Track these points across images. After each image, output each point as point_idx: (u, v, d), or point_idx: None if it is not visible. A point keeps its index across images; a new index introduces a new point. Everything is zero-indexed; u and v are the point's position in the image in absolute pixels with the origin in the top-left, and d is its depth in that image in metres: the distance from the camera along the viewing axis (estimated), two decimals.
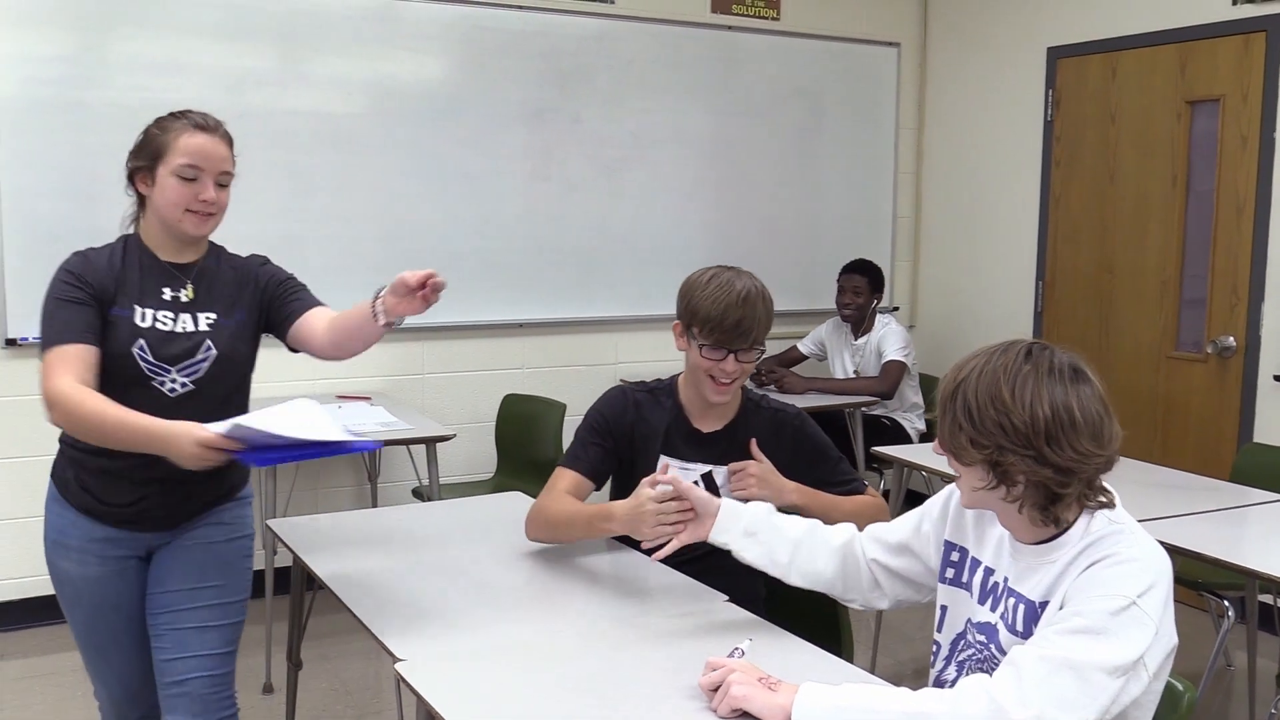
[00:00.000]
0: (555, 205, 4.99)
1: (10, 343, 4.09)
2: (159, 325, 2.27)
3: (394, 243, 4.64)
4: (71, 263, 2.28)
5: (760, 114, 5.44)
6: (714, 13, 5.29)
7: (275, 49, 4.40)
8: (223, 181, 2.32)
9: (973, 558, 1.85)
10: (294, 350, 2.48)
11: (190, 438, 2.00)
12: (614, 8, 5.04)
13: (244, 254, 2.50)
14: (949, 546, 1.91)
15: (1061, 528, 1.70)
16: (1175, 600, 1.66)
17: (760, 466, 2.42)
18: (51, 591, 2.43)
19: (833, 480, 2.52)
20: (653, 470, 2.37)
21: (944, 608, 1.89)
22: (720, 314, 2.38)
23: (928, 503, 1.99)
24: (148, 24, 4.19)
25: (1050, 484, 1.63)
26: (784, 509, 2.33)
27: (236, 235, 4.66)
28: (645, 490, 2.19)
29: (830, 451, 2.56)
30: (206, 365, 2.29)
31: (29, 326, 4.10)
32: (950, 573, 1.89)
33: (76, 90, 4.11)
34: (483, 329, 4.87)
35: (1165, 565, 1.65)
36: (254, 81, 4.37)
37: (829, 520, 2.17)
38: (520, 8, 4.84)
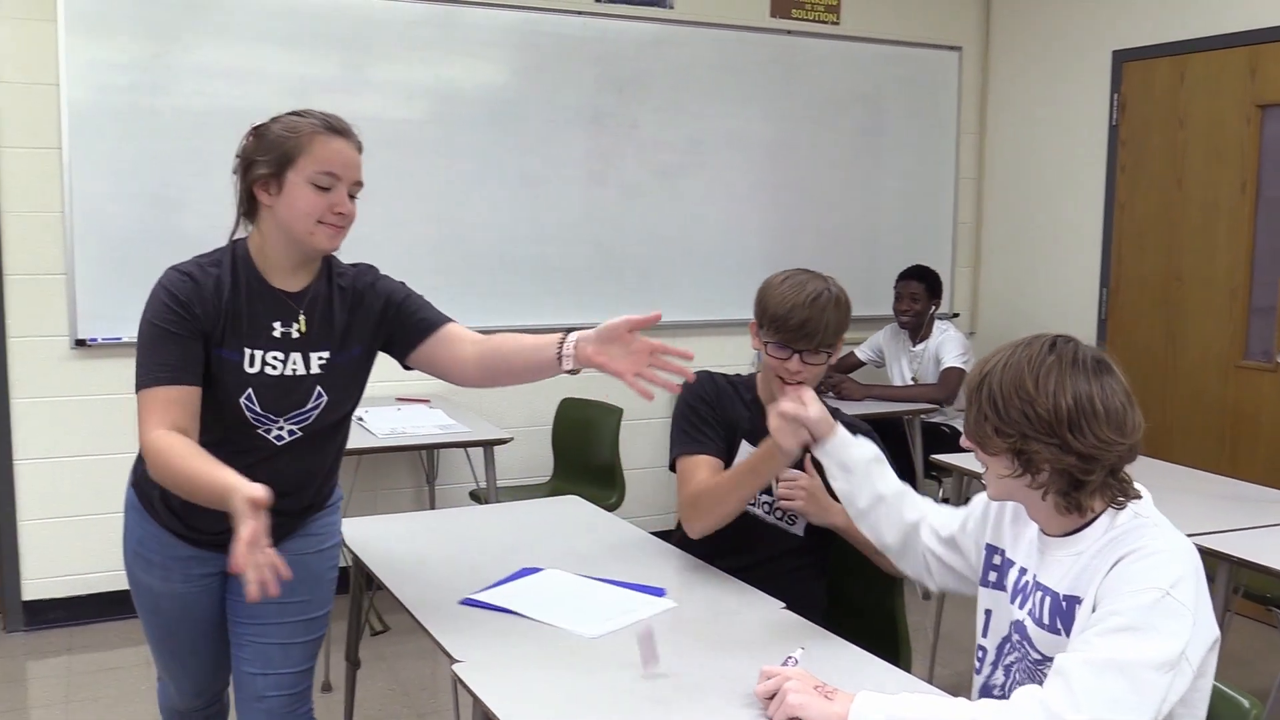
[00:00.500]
0: (613, 210, 5.01)
1: (80, 343, 4.18)
2: (268, 370, 2.09)
3: (453, 246, 4.68)
4: (177, 285, 2.07)
5: (819, 119, 5.41)
6: (773, 17, 5.27)
7: (338, 55, 4.47)
8: (354, 192, 2.14)
9: (1008, 559, 1.86)
10: (409, 369, 2.32)
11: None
12: (672, 12, 5.04)
13: (349, 263, 2.30)
14: (990, 550, 1.91)
15: (1087, 518, 1.71)
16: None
17: (811, 481, 2.39)
18: (121, 588, 2.45)
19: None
20: (734, 457, 2.49)
21: (988, 612, 1.89)
22: (786, 313, 2.38)
23: (972, 501, 2.00)
24: (216, 32, 4.27)
25: (1074, 471, 1.66)
26: (825, 527, 2.40)
27: None
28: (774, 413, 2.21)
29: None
30: (316, 413, 2.15)
31: (98, 327, 4.19)
32: (992, 576, 1.89)
33: (146, 96, 4.20)
34: (539, 332, 4.87)
35: (1193, 556, 1.65)
36: (318, 87, 4.44)
37: (870, 547, 2.19)
38: (579, 13, 4.86)
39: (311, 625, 2.28)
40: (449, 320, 2.29)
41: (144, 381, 2.03)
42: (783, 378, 2.43)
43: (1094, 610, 1.63)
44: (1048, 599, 1.72)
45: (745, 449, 2.53)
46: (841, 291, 2.45)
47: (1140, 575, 1.60)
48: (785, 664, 1.82)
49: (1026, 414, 1.65)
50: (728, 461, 2.53)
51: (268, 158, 2.08)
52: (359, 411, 4.15)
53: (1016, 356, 1.69)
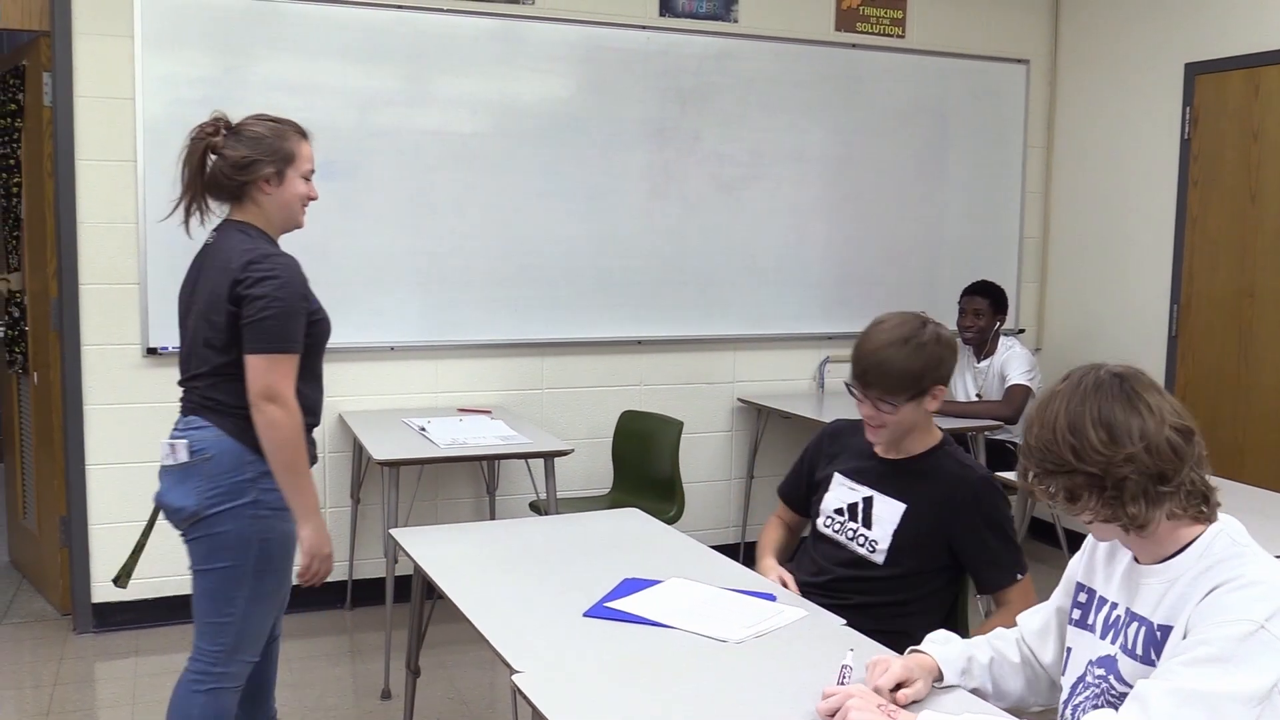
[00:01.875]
0: (675, 223, 5.01)
1: (151, 351, 4.27)
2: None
3: (515, 259, 4.71)
4: (302, 279, 2.57)
5: (883, 132, 5.38)
6: (838, 30, 5.25)
7: (403, 70, 4.52)
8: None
9: (1099, 596, 1.80)
10: None
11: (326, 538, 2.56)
12: (736, 26, 5.04)
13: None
14: (1079, 588, 1.86)
15: (1180, 544, 1.65)
16: None
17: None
18: (187, 591, 2.53)
19: (992, 566, 2.41)
20: (826, 490, 2.57)
21: (1069, 650, 1.84)
22: (853, 357, 2.43)
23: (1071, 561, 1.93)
24: (285, 47, 4.35)
25: (1098, 490, 1.61)
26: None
27: (363, 249, 4.81)
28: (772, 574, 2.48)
29: (1008, 537, 2.41)
30: None
31: (169, 336, 4.28)
32: (1077, 614, 1.84)
33: (217, 109, 4.27)
34: (602, 345, 4.91)
35: None
36: (383, 101, 4.50)
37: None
38: (642, 27, 4.88)
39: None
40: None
41: (287, 346, 2.48)
42: (863, 417, 2.45)
43: (1184, 638, 1.58)
44: (1141, 629, 1.67)
45: (839, 481, 2.57)
46: (928, 338, 2.39)
47: (1235, 606, 1.54)
48: (841, 676, 1.80)
49: (1047, 453, 1.64)
50: (804, 499, 2.69)
51: (273, 159, 2.60)
52: (421, 421, 4.20)
53: (1041, 400, 1.71)
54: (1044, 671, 1.92)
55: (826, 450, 2.67)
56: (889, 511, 2.47)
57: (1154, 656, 1.63)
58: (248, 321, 2.46)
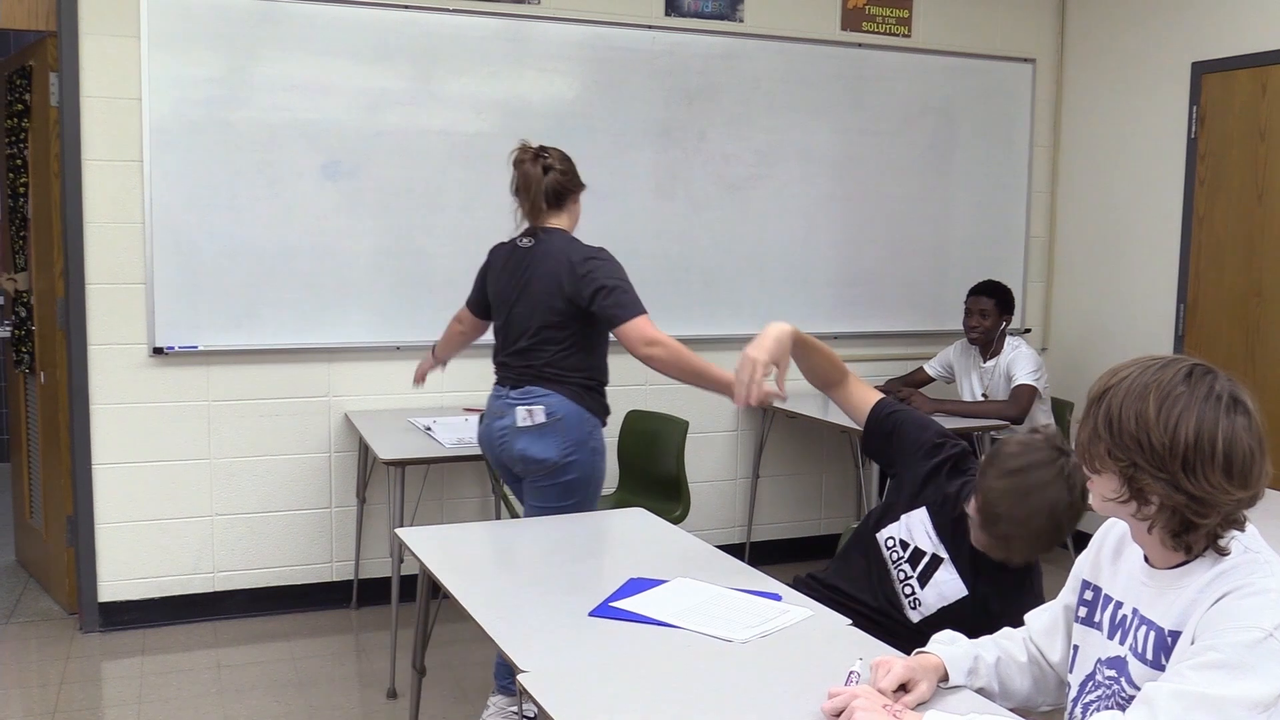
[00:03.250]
0: (680, 223, 5.01)
1: (158, 351, 4.27)
2: None
3: None
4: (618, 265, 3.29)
5: (890, 132, 5.37)
6: (844, 30, 5.25)
7: (410, 70, 4.52)
8: None
9: (1105, 594, 1.79)
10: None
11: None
12: (743, 26, 5.04)
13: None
14: (1084, 585, 1.85)
15: (1193, 555, 1.63)
16: None
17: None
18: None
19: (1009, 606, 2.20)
20: (901, 506, 2.46)
21: (1076, 648, 1.83)
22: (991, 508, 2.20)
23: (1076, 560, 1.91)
24: (291, 46, 4.35)
25: (1185, 512, 1.56)
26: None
27: (370, 248, 4.81)
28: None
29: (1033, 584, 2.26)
30: None
31: (174, 336, 4.29)
32: (1083, 611, 1.83)
33: (223, 110, 4.29)
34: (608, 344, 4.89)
35: None
36: (390, 101, 4.50)
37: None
38: (648, 27, 4.87)
39: None
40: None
41: (640, 308, 3.19)
42: None
43: (1192, 643, 1.57)
44: (1152, 634, 1.65)
45: (921, 516, 2.42)
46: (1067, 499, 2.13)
47: (1246, 613, 1.53)
48: (848, 680, 1.80)
49: (1140, 442, 1.55)
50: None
51: (578, 181, 3.41)
52: (426, 421, 4.21)
53: (1145, 378, 1.58)
54: (1052, 670, 1.91)
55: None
56: (952, 588, 2.33)
57: (1163, 661, 1.62)
58: (608, 301, 3.17)
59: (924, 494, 2.42)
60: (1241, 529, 1.63)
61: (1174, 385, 1.56)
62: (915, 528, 2.41)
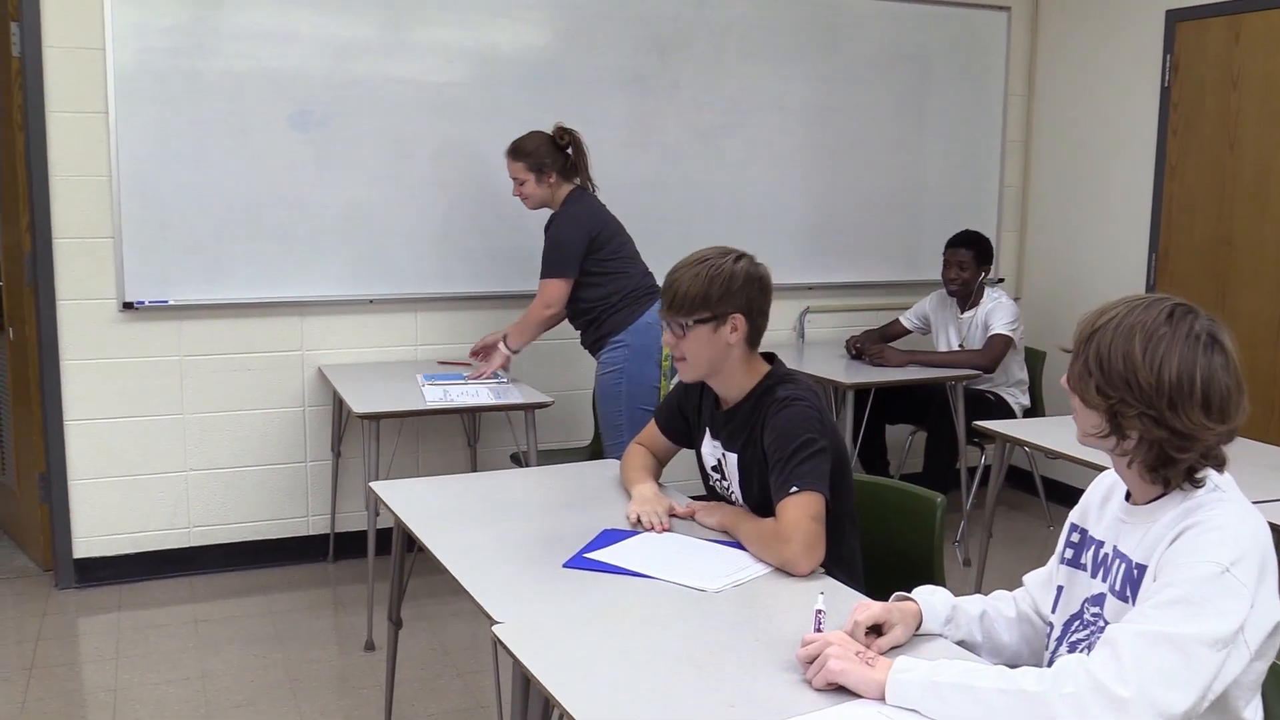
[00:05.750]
0: (654, 173, 4.98)
1: (127, 306, 4.23)
2: None
3: (493, 208, 4.67)
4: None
5: (864, 80, 5.34)
6: None
7: (379, 18, 4.46)
8: (514, 186, 4.19)
9: (1090, 536, 1.83)
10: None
11: None
12: None
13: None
14: (1072, 528, 1.88)
15: (1170, 488, 1.68)
16: None
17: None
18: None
19: (774, 473, 2.31)
20: (701, 441, 2.60)
21: (1060, 588, 1.86)
22: (666, 280, 2.46)
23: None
24: None
25: (1166, 446, 1.63)
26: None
27: (340, 200, 4.75)
28: (658, 503, 2.51)
29: (786, 443, 2.29)
30: None
31: (145, 290, 4.24)
32: (1069, 553, 1.86)
33: (189, 60, 4.22)
34: None
35: (1260, 534, 1.61)
36: (358, 50, 4.43)
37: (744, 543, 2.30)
38: None
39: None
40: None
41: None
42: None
43: (1154, 580, 1.60)
44: (1123, 566, 1.70)
45: (708, 437, 2.59)
46: (733, 266, 2.40)
47: (1202, 549, 1.56)
48: (816, 621, 1.82)
49: (1129, 380, 1.62)
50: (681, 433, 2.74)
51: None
52: (441, 382, 4.25)
53: (1131, 319, 1.65)
54: (1045, 624, 1.93)
55: (695, 398, 2.65)
56: (730, 464, 2.49)
57: (1129, 594, 1.66)
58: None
59: (698, 424, 2.63)
60: (1220, 469, 1.68)
61: (1157, 326, 1.63)
62: (708, 446, 2.59)
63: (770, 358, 2.52)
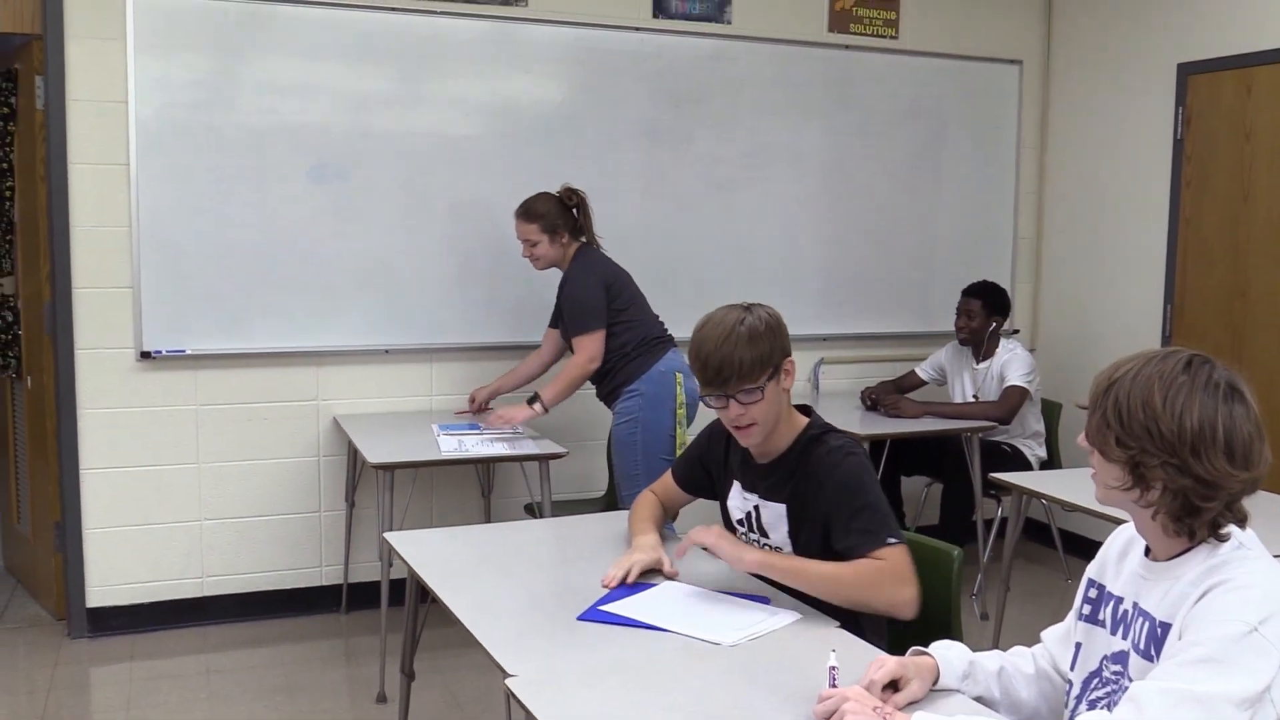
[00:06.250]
0: (669, 224, 5.01)
1: (145, 355, 4.26)
2: None
3: (510, 259, 4.68)
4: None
5: (877, 133, 5.38)
6: (831, 32, 5.25)
7: (398, 72, 4.52)
8: (524, 248, 4.26)
9: (1108, 592, 1.81)
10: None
11: None
12: (730, 28, 5.04)
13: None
14: (1090, 584, 1.86)
15: (1195, 541, 1.65)
16: None
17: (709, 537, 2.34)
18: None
19: (842, 531, 2.29)
20: (728, 495, 2.57)
21: (1078, 645, 1.83)
22: (700, 364, 2.37)
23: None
24: (278, 49, 4.34)
25: (1191, 495, 1.61)
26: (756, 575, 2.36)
27: (357, 251, 4.79)
28: (650, 554, 2.45)
29: (854, 499, 2.29)
30: None
31: (162, 340, 4.27)
32: (1087, 609, 1.84)
33: (210, 113, 4.28)
34: None
35: None
36: (377, 103, 4.49)
37: (798, 585, 2.25)
38: (636, 29, 4.87)
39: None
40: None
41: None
42: (731, 424, 2.42)
43: (1179, 638, 1.58)
44: (1146, 624, 1.67)
45: (736, 488, 2.57)
46: (754, 321, 2.37)
47: (1229, 608, 1.55)
48: (830, 677, 1.80)
49: (1150, 430, 1.61)
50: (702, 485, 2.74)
51: None
52: (446, 431, 4.26)
53: (1149, 369, 1.65)
54: (1063, 682, 1.90)
55: (719, 451, 2.63)
56: (773, 515, 2.45)
57: (1154, 653, 1.64)
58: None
59: (725, 476, 2.61)
60: (1243, 525, 1.66)
61: (1175, 375, 1.63)
62: (736, 499, 2.56)
63: (806, 410, 2.53)
